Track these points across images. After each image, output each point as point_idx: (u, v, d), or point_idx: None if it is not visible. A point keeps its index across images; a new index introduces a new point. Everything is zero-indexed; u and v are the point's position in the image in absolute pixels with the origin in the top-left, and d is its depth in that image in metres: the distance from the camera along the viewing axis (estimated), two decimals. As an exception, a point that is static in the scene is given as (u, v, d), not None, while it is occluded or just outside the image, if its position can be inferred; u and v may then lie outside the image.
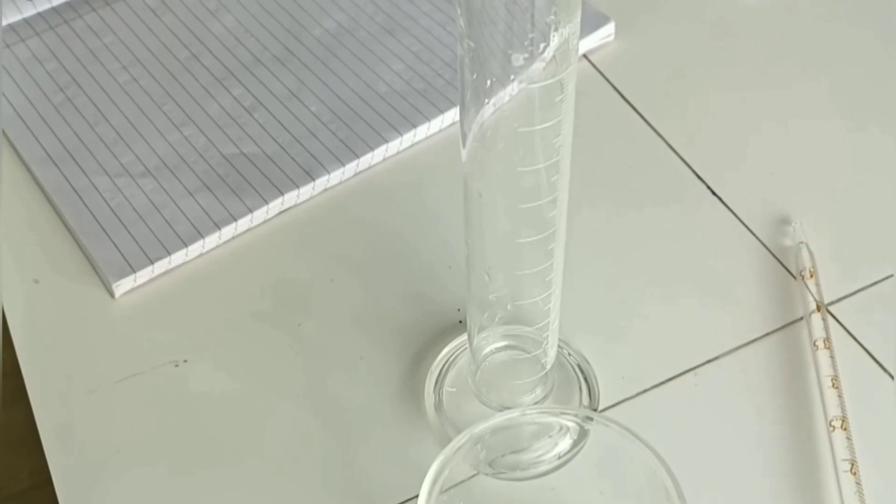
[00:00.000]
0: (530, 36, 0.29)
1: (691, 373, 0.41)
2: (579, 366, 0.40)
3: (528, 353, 0.37)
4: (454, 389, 0.40)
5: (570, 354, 0.41)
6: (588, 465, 0.34)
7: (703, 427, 0.39)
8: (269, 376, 0.41)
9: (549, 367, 0.38)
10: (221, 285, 0.44)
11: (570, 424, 0.34)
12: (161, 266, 0.45)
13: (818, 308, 0.42)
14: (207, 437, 0.40)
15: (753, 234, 0.45)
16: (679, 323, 0.42)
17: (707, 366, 0.41)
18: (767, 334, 0.42)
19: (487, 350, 0.38)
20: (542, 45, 0.29)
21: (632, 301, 0.43)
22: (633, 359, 0.41)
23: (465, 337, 0.39)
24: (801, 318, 0.42)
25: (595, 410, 0.39)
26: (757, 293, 0.43)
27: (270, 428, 0.40)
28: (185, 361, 0.42)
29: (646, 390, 0.40)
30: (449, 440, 0.33)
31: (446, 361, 0.41)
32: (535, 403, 0.38)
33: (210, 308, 0.44)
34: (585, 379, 0.40)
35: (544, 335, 0.36)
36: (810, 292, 0.42)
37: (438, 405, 0.39)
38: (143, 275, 0.44)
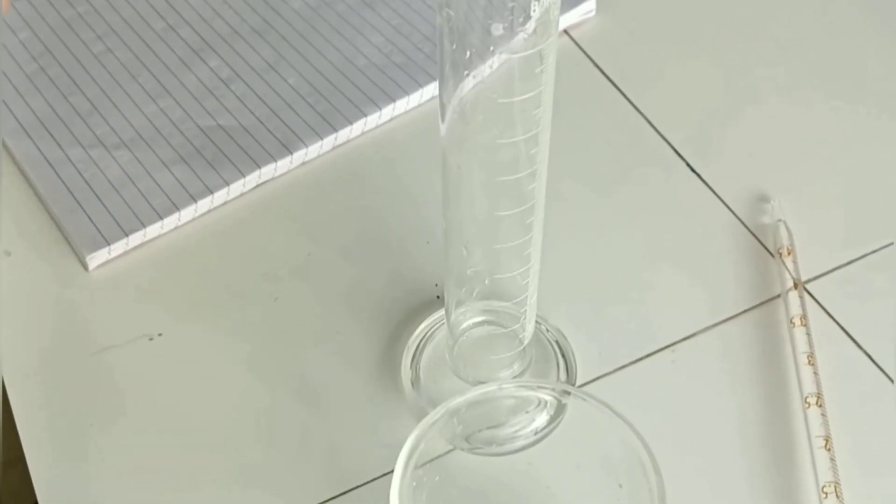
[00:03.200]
0: (510, 6, 0.28)
1: (669, 349, 0.41)
2: (557, 342, 0.40)
3: (506, 328, 0.37)
4: (431, 364, 0.40)
5: (547, 330, 0.40)
6: (565, 439, 0.34)
7: (680, 403, 0.39)
8: (244, 351, 0.41)
9: (526, 342, 0.38)
10: (197, 259, 0.44)
11: (548, 399, 0.34)
12: (136, 239, 0.44)
13: (795, 286, 0.42)
14: (182, 412, 0.39)
15: (732, 211, 0.45)
16: (657, 299, 0.42)
17: (684, 342, 0.41)
18: (745, 311, 0.42)
19: (465, 325, 0.38)
20: (522, 16, 0.29)
21: (610, 277, 0.43)
22: (610, 335, 0.41)
23: (442, 312, 0.39)
24: (779, 296, 0.42)
25: (572, 386, 0.39)
26: (735, 271, 0.43)
27: (245, 402, 0.40)
28: (160, 335, 0.42)
29: (623, 366, 0.40)
30: (425, 415, 0.33)
31: (423, 336, 0.40)
32: (513, 378, 0.38)
33: (185, 282, 0.43)
34: (563, 355, 0.40)
35: (522, 310, 0.36)
36: (787, 270, 0.42)
37: (415, 380, 0.39)
38: (118, 247, 0.44)
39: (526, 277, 0.35)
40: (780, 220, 0.44)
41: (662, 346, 0.41)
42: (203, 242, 0.44)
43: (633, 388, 0.39)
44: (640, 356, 0.40)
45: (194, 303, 0.42)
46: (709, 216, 0.45)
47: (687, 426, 0.38)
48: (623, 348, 0.40)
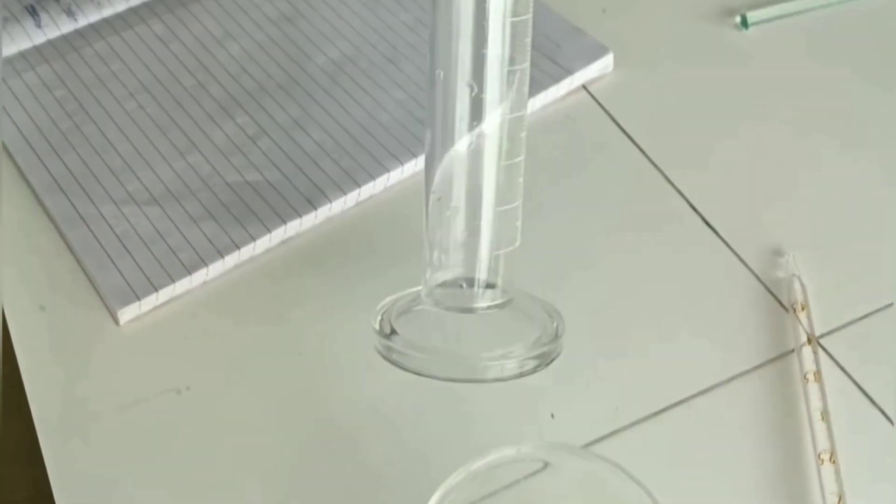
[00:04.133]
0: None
1: (684, 404, 0.41)
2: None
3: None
4: (407, 305, 0.41)
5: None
6: (576, 498, 0.35)
7: (695, 458, 0.40)
8: (271, 404, 0.42)
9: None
10: (224, 313, 0.45)
11: (560, 461, 0.35)
12: (165, 293, 0.45)
13: (809, 341, 0.42)
14: (209, 465, 0.41)
15: (746, 265, 0.46)
16: (672, 354, 0.43)
17: (699, 397, 0.42)
18: (759, 366, 0.42)
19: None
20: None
21: (624, 331, 0.44)
22: (625, 390, 0.42)
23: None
24: (793, 351, 0.43)
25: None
26: (749, 325, 0.44)
27: (273, 456, 0.41)
28: (188, 389, 0.43)
29: (638, 421, 0.41)
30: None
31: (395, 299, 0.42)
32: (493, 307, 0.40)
33: (213, 335, 0.45)
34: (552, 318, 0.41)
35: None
36: (801, 325, 0.43)
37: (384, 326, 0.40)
38: (148, 302, 0.45)
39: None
40: (793, 275, 0.44)
41: (677, 400, 0.41)
42: (230, 296, 0.46)
43: (647, 444, 0.40)
44: (654, 411, 0.41)
45: (222, 356, 0.44)
46: (724, 270, 0.46)
47: (701, 482, 0.39)
48: (638, 403, 0.41)
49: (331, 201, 0.48)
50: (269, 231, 0.47)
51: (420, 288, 0.41)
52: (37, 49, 0.56)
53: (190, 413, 0.42)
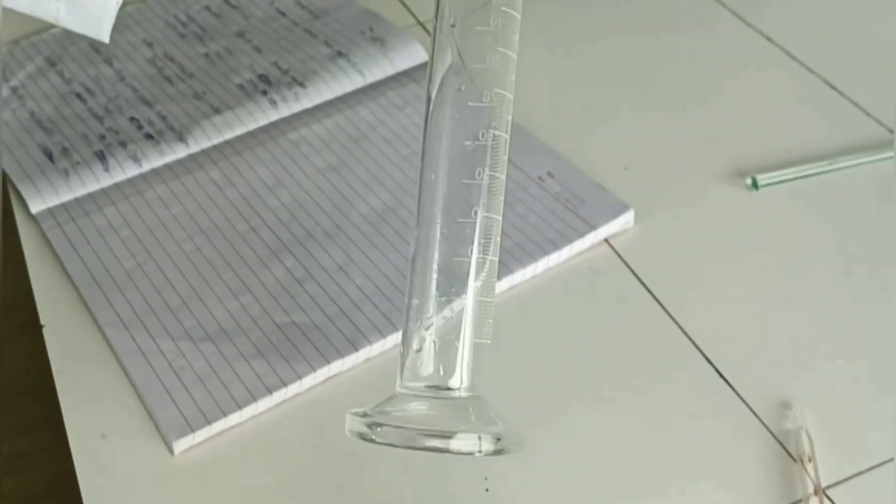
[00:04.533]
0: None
1: (696, 547, 0.44)
2: None
3: None
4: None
5: None
6: None
7: None
8: (311, 536, 0.45)
9: None
10: (273, 446, 0.49)
11: None
12: (218, 426, 0.49)
13: (816, 492, 0.45)
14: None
15: (757, 416, 0.49)
16: (681, 502, 0.46)
17: (712, 542, 0.44)
18: (767, 515, 0.45)
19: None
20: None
21: (634, 477, 0.47)
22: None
23: None
24: (801, 501, 0.46)
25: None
26: (759, 474, 0.47)
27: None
28: (239, 519, 0.46)
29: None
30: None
31: None
32: None
33: (264, 468, 0.48)
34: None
35: None
36: (809, 476, 0.46)
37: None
38: (201, 434, 0.49)
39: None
40: (801, 428, 0.48)
41: (691, 543, 0.44)
42: (278, 431, 0.49)
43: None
44: (670, 553, 0.44)
45: (273, 488, 0.47)
46: (734, 420, 0.49)
47: None
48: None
49: (371, 343, 0.52)
50: (314, 370, 0.51)
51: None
52: (104, 192, 0.61)
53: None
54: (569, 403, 0.50)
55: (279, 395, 0.50)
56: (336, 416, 0.50)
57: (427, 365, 0.45)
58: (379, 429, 0.42)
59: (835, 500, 0.46)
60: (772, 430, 0.48)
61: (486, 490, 0.46)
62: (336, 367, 0.51)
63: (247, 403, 0.50)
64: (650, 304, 0.54)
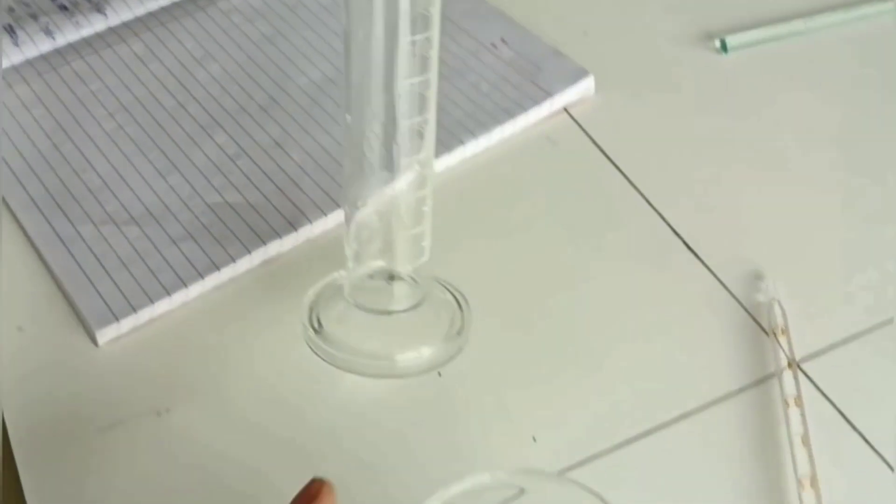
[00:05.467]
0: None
1: (663, 429, 0.41)
2: (456, 298, 0.43)
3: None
4: (330, 307, 0.43)
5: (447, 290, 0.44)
6: None
7: (671, 486, 0.40)
8: (252, 426, 0.42)
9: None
10: (205, 334, 0.45)
11: (536, 487, 0.34)
12: (145, 315, 0.45)
13: (789, 365, 0.42)
14: (189, 488, 0.40)
15: (727, 289, 0.46)
16: (652, 378, 0.43)
17: (679, 422, 0.42)
18: (740, 390, 0.42)
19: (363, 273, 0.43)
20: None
21: (604, 355, 0.44)
22: (605, 414, 0.42)
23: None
24: (774, 375, 0.43)
25: (459, 333, 0.42)
26: (729, 349, 0.44)
27: (253, 479, 0.40)
28: (168, 411, 0.42)
29: (617, 446, 0.41)
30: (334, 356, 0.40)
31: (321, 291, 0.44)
32: (408, 309, 0.42)
33: (194, 357, 0.44)
34: (459, 304, 0.43)
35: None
36: (782, 349, 0.43)
37: (318, 328, 0.42)
38: (127, 323, 0.45)
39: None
40: (774, 300, 0.45)
41: (657, 425, 0.41)
42: (211, 318, 0.45)
43: (621, 472, 0.40)
44: (633, 435, 0.41)
45: (203, 378, 0.43)
46: (705, 294, 0.46)
47: (683, 506, 0.39)
48: (617, 427, 0.41)
49: (311, 222, 0.48)
50: (250, 252, 0.47)
51: (342, 273, 0.44)
52: (14, 68, 0.55)
53: (170, 435, 0.42)
54: (528, 277, 0.46)
55: (212, 280, 0.46)
56: (274, 302, 0.46)
57: (368, 248, 0.41)
58: (323, 351, 0.42)
59: (809, 374, 0.43)
60: (742, 303, 0.45)
61: (439, 374, 0.43)
62: (274, 248, 0.47)
63: (176, 289, 0.46)
64: (613, 176, 0.50)
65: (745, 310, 0.45)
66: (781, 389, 0.42)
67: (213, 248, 0.47)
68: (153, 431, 0.42)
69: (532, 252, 0.47)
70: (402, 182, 0.40)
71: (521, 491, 0.35)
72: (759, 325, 0.45)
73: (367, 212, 0.41)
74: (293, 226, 0.48)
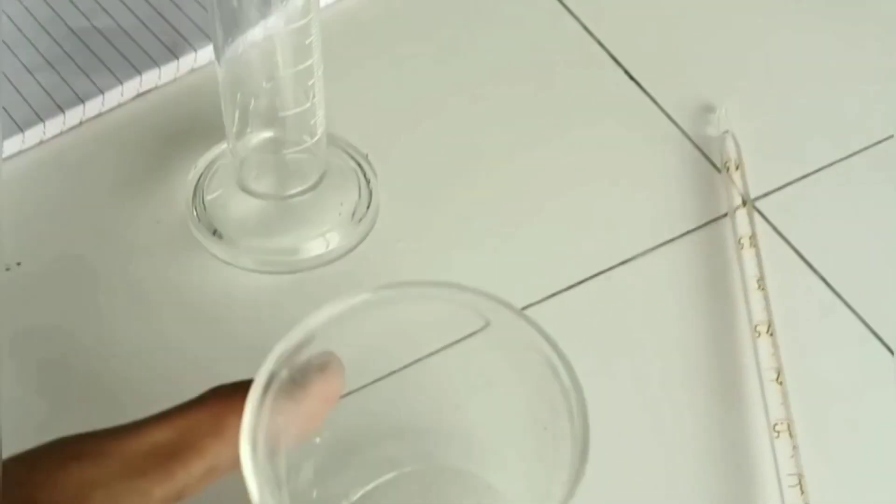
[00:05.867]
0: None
1: (602, 276, 0.36)
2: (360, 165, 0.38)
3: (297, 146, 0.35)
4: (217, 193, 0.37)
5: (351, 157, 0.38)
6: (477, 354, 0.28)
7: (616, 334, 0.35)
8: (103, 281, 0.36)
9: (320, 154, 0.36)
10: (65, 178, 0.38)
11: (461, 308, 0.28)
12: (-7, 155, 0.38)
13: (744, 203, 0.37)
14: (41, 345, 0.34)
15: (674, 122, 0.40)
16: (594, 220, 0.37)
17: (620, 268, 0.36)
18: (688, 232, 0.37)
19: (251, 145, 0.35)
20: None
21: (541, 194, 0.38)
22: (545, 262, 0.36)
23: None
24: (726, 215, 0.38)
25: (369, 207, 0.37)
26: (677, 188, 0.38)
27: (106, 332, 0.34)
28: (18, 265, 0.36)
29: (550, 296, 0.35)
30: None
31: (208, 166, 0.38)
32: (306, 189, 0.36)
33: (51, 204, 0.38)
34: (364, 174, 0.37)
35: (311, 122, 0.35)
36: (735, 186, 0.38)
37: (201, 213, 0.36)
38: (-28, 165, 0.38)
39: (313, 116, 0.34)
40: (726, 132, 0.39)
41: (595, 272, 0.36)
42: (72, 159, 0.39)
43: (562, 320, 0.35)
44: (569, 284, 0.36)
45: (59, 229, 0.37)
46: (649, 128, 0.40)
47: (624, 359, 0.34)
48: (551, 277, 0.36)
49: (196, 50, 0.41)
50: (121, 83, 0.40)
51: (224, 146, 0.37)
52: None
53: (20, 292, 0.35)
54: (462, 112, 0.40)
55: (74, 116, 0.39)
56: (151, 143, 0.39)
57: (250, 114, 0.35)
58: (212, 246, 0.36)
59: (764, 213, 0.38)
60: (692, 138, 0.40)
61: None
62: (150, 79, 0.40)
63: (32, 125, 0.39)
64: (551, 2, 0.44)
65: (694, 144, 0.40)
66: (735, 230, 0.37)
67: (76, 78, 0.40)
68: (1, 288, 0.35)
69: (454, 76, 0.41)
70: (280, 15, 0.33)
71: (487, 323, 0.29)
72: (710, 162, 0.39)
73: (243, 60, 0.33)
74: (173, 53, 0.41)
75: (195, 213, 0.36)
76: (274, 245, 0.36)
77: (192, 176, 0.37)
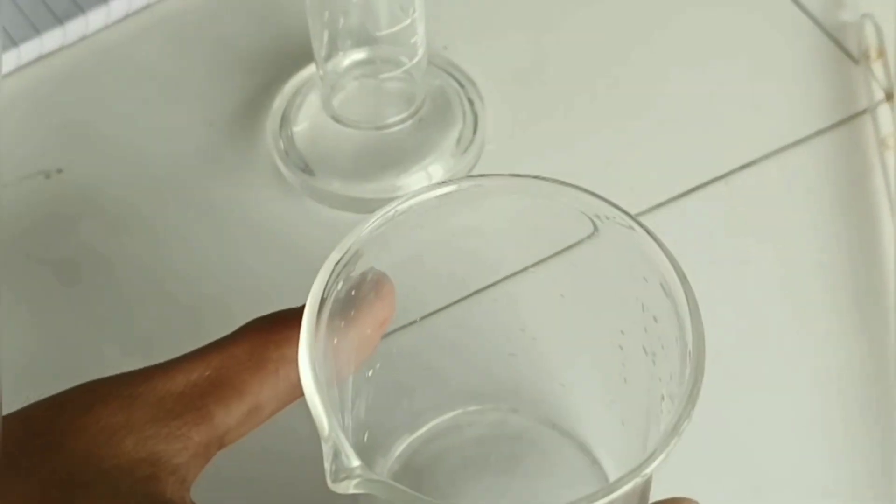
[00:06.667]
0: None
1: (721, 181, 0.31)
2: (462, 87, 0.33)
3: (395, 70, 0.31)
4: (306, 124, 0.32)
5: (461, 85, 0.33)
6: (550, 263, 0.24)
7: (747, 236, 0.30)
8: (146, 187, 0.32)
9: (419, 77, 0.31)
10: (110, 80, 0.34)
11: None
12: (31, 51, 0.34)
13: (887, 97, 0.32)
14: (80, 250, 0.30)
15: (801, 6, 0.35)
16: (718, 120, 0.33)
17: (741, 172, 0.31)
18: (820, 132, 0.32)
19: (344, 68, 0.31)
20: None
21: (647, 90, 0.33)
22: (668, 162, 0.32)
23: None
24: (865, 111, 0.32)
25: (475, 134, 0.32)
26: (806, 82, 0.33)
27: (150, 240, 0.31)
28: (59, 172, 0.32)
29: (662, 203, 0.31)
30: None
31: (295, 94, 0.33)
32: (405, 118, 0.32)
33: (93, 111, 0.34)
34: (470, 102, 0.33)
35: (412, 41, 0.30)
36: (875, 78, 0.32)
37: (289, 148, 0.32)
38: (9, 60, 0.34)
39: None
40: (865, 15, 0.34)
41: (713, 176, 0.31)
42: (119, 57, 0.35)
43: (693, 219, 0.30)
44: (699, 183, 0.31)
45: (97, 135, 0.33)
46: (773, 13, 0.35)
47: (742, 277, 0.29)
48: (681, 175, 0.31)
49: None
50: None
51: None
52: None
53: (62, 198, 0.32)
54: (556, 33, 0.35)
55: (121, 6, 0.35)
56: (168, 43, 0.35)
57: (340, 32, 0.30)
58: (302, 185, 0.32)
59: (913, 109, 0.32)
60: (822, 25, 0.34)
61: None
62: None
63: (71, 16, 0.35)
64: None
65: (826, 32, 0.34)
66: (876, 127, 0.31)
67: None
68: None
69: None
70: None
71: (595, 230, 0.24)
72: (845, 51, 0.34)
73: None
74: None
75: (282, 145, 0.32)
76: (370, 182, 0.31)
77: (279, 104, 0.33)
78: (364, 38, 0.30)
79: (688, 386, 0.19)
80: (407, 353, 0.25)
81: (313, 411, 0.19)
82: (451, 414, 0.26)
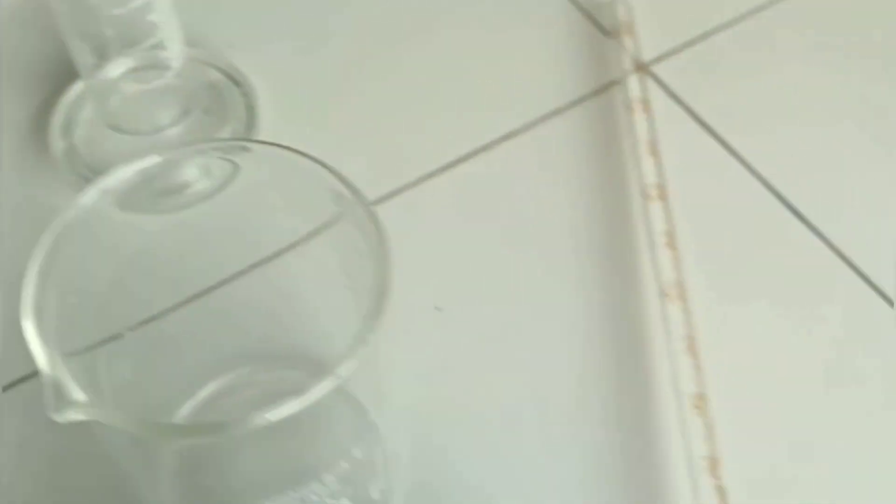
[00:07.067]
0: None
1: (481, 154, 0.33)
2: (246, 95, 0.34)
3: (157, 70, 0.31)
4: (83, 136, 0.33)
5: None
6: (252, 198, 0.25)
7: (496, 214, 0.31)
8: None
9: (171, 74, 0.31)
10: None
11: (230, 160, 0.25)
12: None
13: (637, 69, 0.34)
14: None
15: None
16: (473, 96, 0.34)
17: (500, 145, 0.33)
18: (575, 103, 0.34)
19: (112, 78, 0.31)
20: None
21: (413, 69, 0.35)
22: (421, 141, 0.33)
23: None
24: (617, 82, 0.34)
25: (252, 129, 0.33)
26: (561, 57, 0.35)
27: None
28: None
29: (421, 179, 0.32)
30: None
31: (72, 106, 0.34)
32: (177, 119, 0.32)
33: None
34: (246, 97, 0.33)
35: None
36: (626, 51, 0.35)
37: (69, 149, 0.32)
38: None
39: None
40: (615, -6, 0.36)
41: (480, 146, 0.33)
42: None
43: (446, 195, 0.32)
44: (455, 158, 0.32)
45: None
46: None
47: (507, 237, 0.31)
48: (435, 153, 0.32)
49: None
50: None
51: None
52: None
53: None
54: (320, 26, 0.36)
55: None
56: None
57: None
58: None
59: (660, 77, 0.34)
60: (578, 2, 0.37)
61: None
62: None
63: None
64: None
65: (581, 10, 0.36)
66: (626, 94, 0.34)
67: None
68: None
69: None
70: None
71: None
72: (598, 26, 0.36)
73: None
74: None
75: (65, 157, 0.32)
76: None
77: (57, 118, 0.33)
78: (126, 45, 0.30)
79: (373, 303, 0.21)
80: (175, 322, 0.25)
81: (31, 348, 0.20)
82: (228, 376, 0.27)
